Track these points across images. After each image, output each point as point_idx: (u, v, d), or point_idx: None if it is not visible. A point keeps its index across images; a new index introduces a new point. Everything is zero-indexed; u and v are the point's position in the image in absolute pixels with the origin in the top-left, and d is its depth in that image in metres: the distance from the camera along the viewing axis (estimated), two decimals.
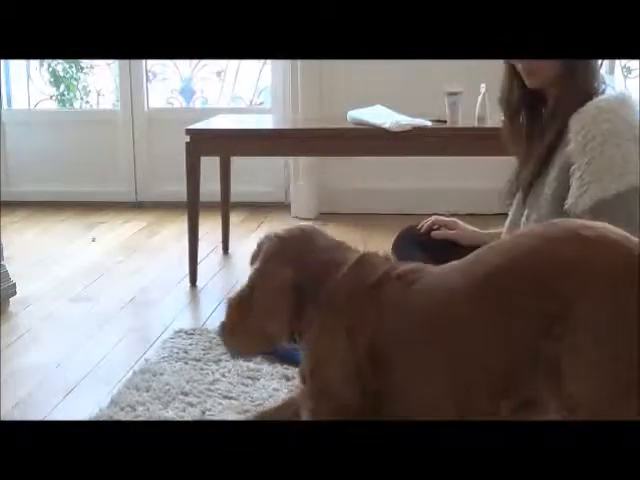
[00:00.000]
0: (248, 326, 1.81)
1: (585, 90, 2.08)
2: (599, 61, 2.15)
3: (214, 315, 3.03)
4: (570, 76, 2.08)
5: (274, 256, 1.82)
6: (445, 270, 1.72)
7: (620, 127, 2.01)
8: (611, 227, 1.58)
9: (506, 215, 2.28)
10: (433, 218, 2.45)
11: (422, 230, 2.44)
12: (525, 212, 2.16)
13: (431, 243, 2.37)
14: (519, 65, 2.15)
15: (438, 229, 2.43)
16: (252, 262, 1.90)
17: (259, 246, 1.90)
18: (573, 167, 2.02)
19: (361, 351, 1.69)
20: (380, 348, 1.69)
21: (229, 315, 1.84)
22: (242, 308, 1.81)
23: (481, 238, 2.32)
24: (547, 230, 1.62)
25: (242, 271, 2.64)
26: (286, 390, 2.27)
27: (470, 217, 3.08)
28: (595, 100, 2.05)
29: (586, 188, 1.98)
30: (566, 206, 2.01)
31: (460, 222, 2.44)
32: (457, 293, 1.63)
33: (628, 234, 1.57)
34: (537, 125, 2.21)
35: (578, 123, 2.04)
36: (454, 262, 1.72)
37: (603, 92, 2.09)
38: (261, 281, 1.81)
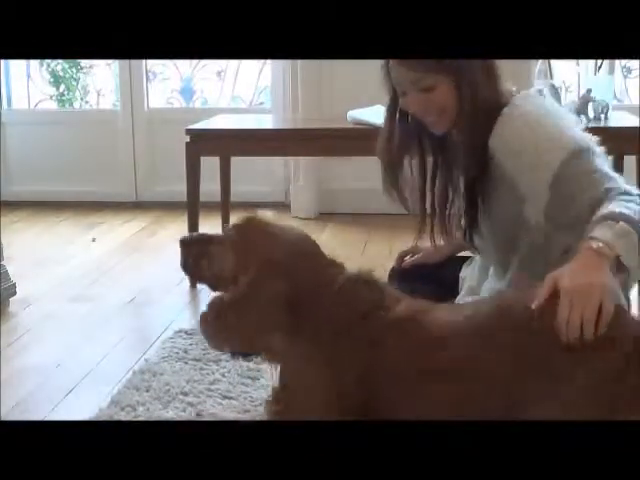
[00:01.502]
0: (229, 324, 1.79)
1: (490, 111, 1.99)
2: (496, 74, 2.03)
3: None
4: (473, 106, 1.98)
5: (271, 265, 1.78)
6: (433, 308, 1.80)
7: (529, 116, 1.96)
8: None
9: None
10: (399, 253, 2.54)
11: (398, 267, 2.51)
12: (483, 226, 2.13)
13: (410, 274, 2.44)
14: (413, 120, 2.07)
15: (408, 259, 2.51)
16: (237, 237, 1.86)
17: (246, 229, 1.86)
18: (514, 179, 1.97)
19: (348, 383, 1.71)
20: (370, 381, 1.70)
21: (214, 307, 1.84)
22: (230, 305, 1.80)
23: (444, 252, 2.45)
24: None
25: None
26: None
27: None
28: (506, 112, 1.98)
29: (535, 183, 1.94)
30: (529, 218, 1.99)
31: (420, 246, 2.49)
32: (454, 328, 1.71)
33: None
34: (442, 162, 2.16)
35: (497, 140, 1.97)
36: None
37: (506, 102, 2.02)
38: (254, 289, 1.77)
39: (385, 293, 1.81)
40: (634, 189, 1.86)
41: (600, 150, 1.98)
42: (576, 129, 2.01)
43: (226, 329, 1.80)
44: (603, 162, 1.96)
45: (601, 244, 1.69)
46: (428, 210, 2.20)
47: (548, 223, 1.99)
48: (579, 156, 1.92)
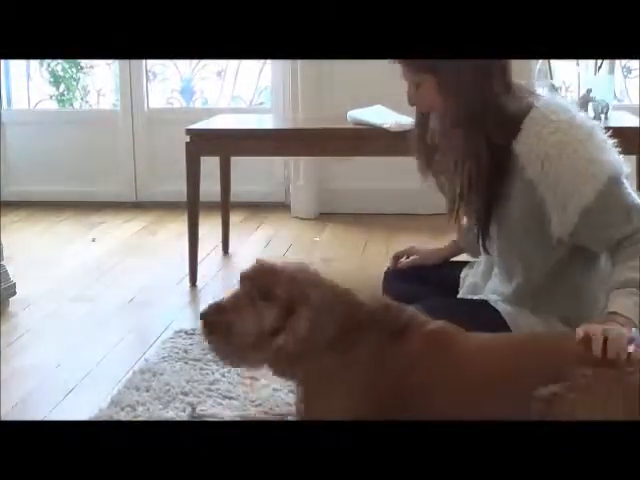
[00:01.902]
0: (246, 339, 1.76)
1: (514, 115, 2.00)
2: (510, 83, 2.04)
3: None
4: (457, 106, 2.00)
5: (313, 299, 1.77)
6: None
7: (566, 132, 1.97)
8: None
9: None
10: (394, 254, 2.54)
11: (394, 268, 2.52)
12: (495, 230, 2.13)
13: (407, 274, 2.45)
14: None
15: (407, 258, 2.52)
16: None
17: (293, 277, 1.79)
18: (541, 192, 1.98)
19: (376, 402, 1.73)
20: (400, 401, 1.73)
21: (230, 317, 1.78)
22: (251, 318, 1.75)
23: (441, 255, 2.49)
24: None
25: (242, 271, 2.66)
26: (286, 390, 2.27)
27: None
28: (528, 117, 1.99)
29: (567, 206, 1.95)
30: (554, 233, 1.99)
31: (416, 246, 2.54)
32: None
33: None
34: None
35: (523, 146, 1.99)
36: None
37: (530, 105, 2.02)
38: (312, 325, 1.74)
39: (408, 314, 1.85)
40: None
41: (623, 169, 2.00)
42: (612, 150, 2.02)
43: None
44: (630, 187, 1.99)
45: (623, 319, 1.82)
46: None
47: (569, 242, 2.01)
48: (614, 186, 1.95)
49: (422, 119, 2.16)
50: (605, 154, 1.99)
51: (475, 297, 2.23)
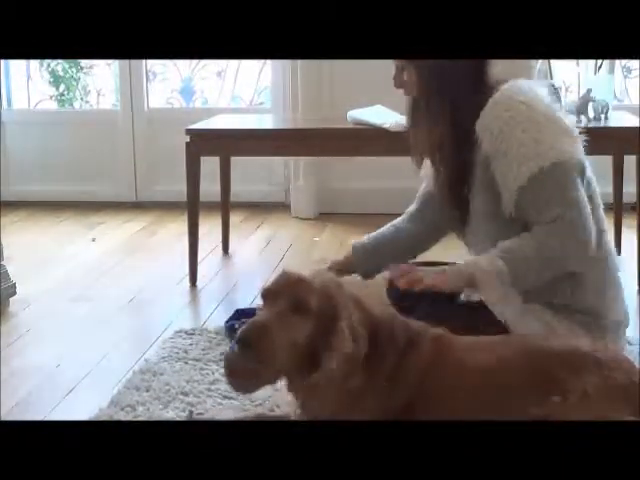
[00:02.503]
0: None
1: (469, 97, 2.12)
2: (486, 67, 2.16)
3: (214, 315, 3.03)
4: (429, 91, 2.16)
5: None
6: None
7: (522, 112, 2.03)
8: None
9: None
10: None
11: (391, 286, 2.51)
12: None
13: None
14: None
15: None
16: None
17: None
18: (493, 167, 2.06)
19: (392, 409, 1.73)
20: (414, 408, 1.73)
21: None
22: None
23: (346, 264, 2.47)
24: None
25: (242, 271, 2.65)
26: (286, 390, 2.26)
27: None
28: (492, 98, 2.08)
29: (507, 182, 2.03)
30: (505, 209, 2.05)
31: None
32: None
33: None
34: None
35: (481, 123, 2.08)
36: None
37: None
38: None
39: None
40: (581, 215, 2.00)
41: (578, 161, 2.04)
42: (573, 143, 2.05)
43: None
44: (572, 179, 2.02)
45: (471, 271, 1.99)
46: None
47: (522, 219, 2.06)
48: (555, 173, 2.00)
49: (413, 104, 2.27)
50: (559, 142, 2.03)
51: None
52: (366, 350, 1.71)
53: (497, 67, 2.17)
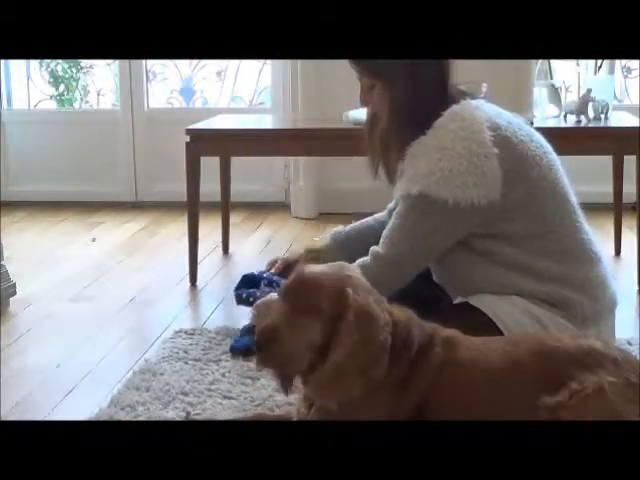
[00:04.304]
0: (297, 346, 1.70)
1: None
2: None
3: (214, 315, 3.03)
4: (396, 113, 2.21)
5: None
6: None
7: (433, 141, 2.10)
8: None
9: None
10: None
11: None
12: None
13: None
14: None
15: None
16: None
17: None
18: None
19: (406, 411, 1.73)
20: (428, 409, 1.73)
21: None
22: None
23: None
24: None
25: (242, 271, 2.65)
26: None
27: None
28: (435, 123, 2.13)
29: (403, 185, 2.16)
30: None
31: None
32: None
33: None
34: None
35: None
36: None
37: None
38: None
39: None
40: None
41: (454, 200, 2.06)
42: (469, 183, 2.05)
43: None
44: (426, 214, 2.11)
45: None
46: None
47: None
48: (417, 204, 2.10)
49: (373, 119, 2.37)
50: (449, 180, 2.05)
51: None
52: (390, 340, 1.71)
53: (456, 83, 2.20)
